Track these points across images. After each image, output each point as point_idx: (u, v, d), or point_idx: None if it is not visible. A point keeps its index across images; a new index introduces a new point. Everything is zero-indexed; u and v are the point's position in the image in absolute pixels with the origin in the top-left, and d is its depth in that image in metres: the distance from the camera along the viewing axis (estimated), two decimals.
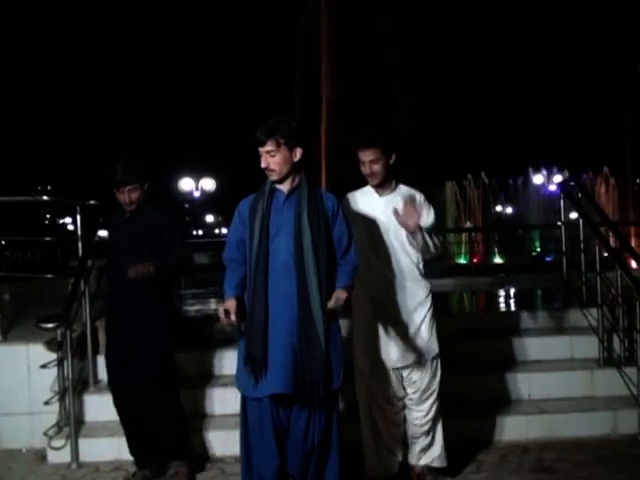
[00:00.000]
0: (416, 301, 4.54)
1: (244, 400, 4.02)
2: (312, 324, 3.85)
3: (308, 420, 3.93)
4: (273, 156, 3.94)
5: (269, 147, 3.94)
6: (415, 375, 4.51)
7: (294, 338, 3.86)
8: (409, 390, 4.54)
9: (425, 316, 4.54)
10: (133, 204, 4.79)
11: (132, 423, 4.85)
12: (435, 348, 4.55)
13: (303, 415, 3.93)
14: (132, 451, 4.92)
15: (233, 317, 3.85)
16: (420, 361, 4.49)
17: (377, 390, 4.54)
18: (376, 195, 4.62)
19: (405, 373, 4.52)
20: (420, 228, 4.41)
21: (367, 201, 4.64)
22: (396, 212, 4.37)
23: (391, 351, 4.48)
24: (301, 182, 4.03)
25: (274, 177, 3.97)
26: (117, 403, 4.89)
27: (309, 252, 3.88)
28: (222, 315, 3.86)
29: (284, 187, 4.01)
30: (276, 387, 3.83)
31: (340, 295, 3.84)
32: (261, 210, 3.97)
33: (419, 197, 4.64)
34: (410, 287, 4.54)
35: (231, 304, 3.90)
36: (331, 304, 3.82)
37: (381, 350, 4.50)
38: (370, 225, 4.57)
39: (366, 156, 4.50)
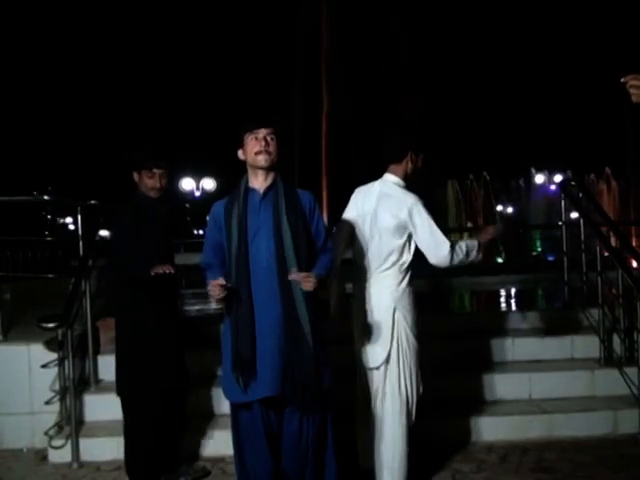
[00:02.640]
0: None
1: (233, 406, 4.00)
2: (298, 324, 3.82)
3: (301, 421, 3.91)
4: (273, 140, 3.91)
5: (272, 129, 3.92)
6: None
7: (281, 339, 3.83)
8: None
9: None
10: (162, 190, 4.71)
11: (159, 427, 4.71)
12: None
13: (296, 416, 3.91)
14: (143, 462, 4.71)
15: (220, 293, 3.74)
16: None
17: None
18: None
19: None
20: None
21: None
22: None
23: None
24: (276, 181, 3.97)
25: (267, 163, 3.89)
26: (152, 406, 4.65)
27: (290, 251, 3.83)
28: (215, 292, 3.73)
29: (259, 186, 3.95)
30: (266, 390, 3.81)
31: (310, 277, 3.74)
32: (237, 211, 3.90)
33: None
34: None
35: (218, 280, 3.76)
36: (292, 276, 3.73)
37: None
38: None
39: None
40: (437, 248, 4.30)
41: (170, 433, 4.78)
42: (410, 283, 4.39)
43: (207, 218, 4.19)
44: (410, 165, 4.49)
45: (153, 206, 4.75)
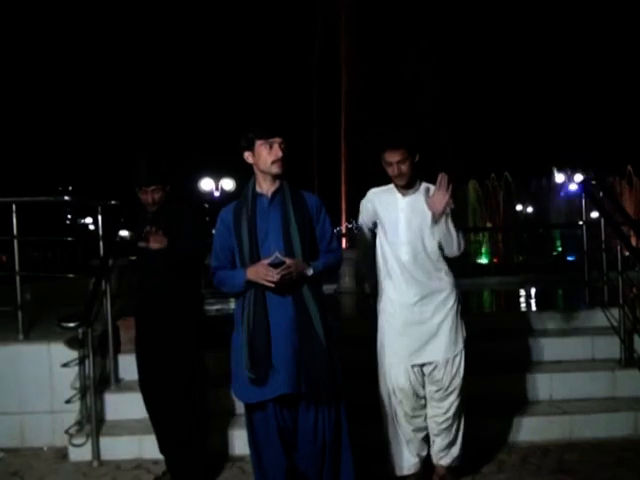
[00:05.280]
0: (438, 299, 4.51)
1: (247, 407, 4.05)
2: (310, 322, 3.90)
3: (316, 418, 3.95)
4: (285, 148, 4.00)
5: (282, 139, 4.00)
6: (438, 373, 4.49)
7: (294, 338, 3.89)
8: (432, 387, 4.53)
9: (448, 314, 4.51)
10: (156, 204, 4.83)
11: (161, 421, 4.84)
12: (458, 346, 4.52)
13: (311, 414, 3.95)
14: (162, 449, 4.90)
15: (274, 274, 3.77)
16: (442, 359, 4.47)
17: (397, 386, 4.52)
18: (399, 195, 4.60)
19: (427, 370, 4.51)
20: (447, 214, 4.37)
21: (391, 200, 4.62)
22: (427, 193, 4.47)
23: (412, 347, 4.47)
24: (283, 185, 4.06)
25: (281, 171, 4.00)
26: (146, 401, 4.90)
27: (299, 252, 3.92)
28: (271, 276, 3.76)
29: (267, 191, 4.04)
30: (281, 388, 3.85)
31: (298, 263, 3.85)
32: (246, 215, 3.99)
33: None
34: (433, 285, 4.52)
35: (258, 265, 3.84)
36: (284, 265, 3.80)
37: (403, 346, 4.49)
38: (393, 225, 4.57)
39: (393, 157, 4.43)
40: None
41: (175, 431, 4.80)
42: (389, 279, 4.59)
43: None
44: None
45: (143, 216, 4.90)
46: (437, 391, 4.51)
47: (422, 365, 4.52)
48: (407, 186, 4.55)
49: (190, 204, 5.34)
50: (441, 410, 4.53)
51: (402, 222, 4.54)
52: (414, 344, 4.48)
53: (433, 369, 4.50)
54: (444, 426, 4.54)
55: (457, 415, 4.56)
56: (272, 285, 3.79)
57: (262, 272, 3.80)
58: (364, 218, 4.82)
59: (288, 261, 3.81)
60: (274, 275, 3.76)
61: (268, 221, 3.99)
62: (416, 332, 4.49)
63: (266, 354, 3.86)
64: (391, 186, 4.66)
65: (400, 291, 4.53)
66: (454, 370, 4.50)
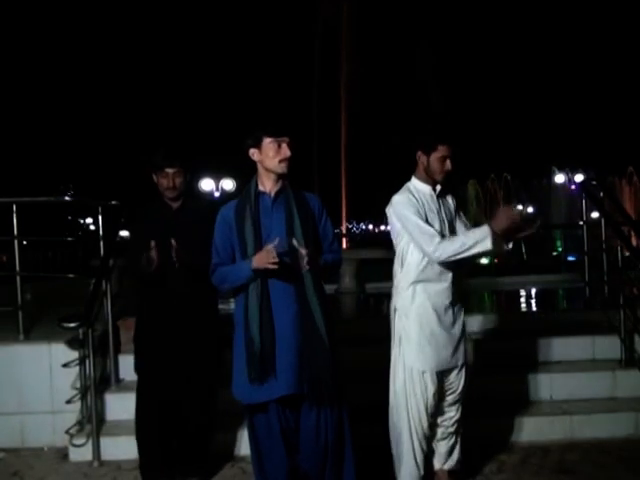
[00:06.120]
0: (459, 303, 4.46)
1: (249, 408, 4.05)
2: (313, 321, 3.91)
3: (318, 417, 3.96)
4: (290, 148, 4.01)
5: (290, 139, 4.01)
6: (455, 377, 4.43)
7: (297, 337, 3.90)
8: (446, 393, 4.46)
9: (463, 318, 4.47)
10: (176, 190, 4.67)
11: (169, 430, 4.75)
12: (467, 352, 4.51)
13: (313, 413, 3.95)
14: (153, 461, 4.78)
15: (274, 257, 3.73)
16: (462, 363, 4.43)
17: (427, 395, 4.33)
18: (433, 193, 4.43)
19: (446, 376, 4.42)
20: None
21: (428, 199, 4.41)
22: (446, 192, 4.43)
23: (443, 354, 4.33)
24: (285, 185, 4.06)
25: (287, 170, 4.01)
26: (158, 413, 4.72)
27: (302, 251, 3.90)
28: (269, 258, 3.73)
29: (270, 190, 4.04)
30: (283, 389, 3.86)
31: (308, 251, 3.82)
32: (250, 214, 3.99)
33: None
34: (459, 289, 4.44)
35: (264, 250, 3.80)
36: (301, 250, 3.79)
37: (435, 353, 4.31)
38: (433, 223, 4.33)
39: (448, 151, 4.35)
40: (423, 244, 4.21)
41: (178, 434, 4.78)
42: (423, 284, 4.30)
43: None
44: (422, 165, 4.41)
45: (160, 210, 4.77)
46: (450, 395, 4.45)
47: (444, 371, 4.39)
48: (439, 184, 4.43)
49: (207, 203, 5.26)
50: (451, 414, 4.49)
51: (441, 220, 4.38)
52: (444, 350, 4.33)
53: (450, 374, 4.42)
54: (451, 430, 4.51)
55: (461, 419, 4.54)
56: (276, 267, 3.74)
57: (264, 256, 3.75)
58: (418, 212, 4.30)
59: (302, 250, 3.80)
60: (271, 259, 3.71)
61: (271, 220, 3.99)
62: (447, 338, 4.34)
63: (271, 354, 3.87)
64: (416, 186, 4.45)
65: (435, 295, 4.33)
66: (465, 374, 4.47)
